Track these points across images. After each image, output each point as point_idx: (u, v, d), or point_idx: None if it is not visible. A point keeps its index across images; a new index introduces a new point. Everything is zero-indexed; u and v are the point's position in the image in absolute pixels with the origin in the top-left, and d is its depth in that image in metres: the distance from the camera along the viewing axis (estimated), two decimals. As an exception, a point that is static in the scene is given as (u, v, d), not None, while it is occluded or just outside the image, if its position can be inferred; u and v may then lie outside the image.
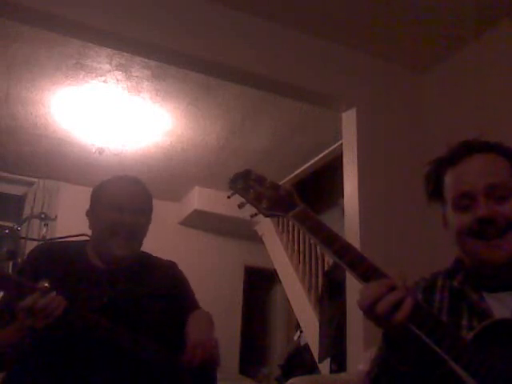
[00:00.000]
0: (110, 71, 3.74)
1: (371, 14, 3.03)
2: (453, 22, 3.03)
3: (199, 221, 6.10)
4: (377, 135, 3.27)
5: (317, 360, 4.03)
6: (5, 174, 5.51)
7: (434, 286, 1.15)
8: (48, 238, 3.82)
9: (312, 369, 4.40)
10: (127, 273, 1.55)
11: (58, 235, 3.21)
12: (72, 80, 3.87)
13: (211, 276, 5.86)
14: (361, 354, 2.57)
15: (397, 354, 0.98)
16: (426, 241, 3.03)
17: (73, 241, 1.71)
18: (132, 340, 1.42)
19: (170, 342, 1.48)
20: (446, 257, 1.19)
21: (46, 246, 1.83)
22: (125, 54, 3.42)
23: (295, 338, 5.30)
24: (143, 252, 1.66)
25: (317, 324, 4.27)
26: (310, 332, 4.60)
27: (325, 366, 3.88)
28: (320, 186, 5.60)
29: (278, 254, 5.57)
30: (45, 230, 4.26)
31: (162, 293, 1.57)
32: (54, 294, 1.32)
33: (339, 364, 3.50)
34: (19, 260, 2.95)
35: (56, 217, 4.87)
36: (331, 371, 3.67)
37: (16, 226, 3.36)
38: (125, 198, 1.57)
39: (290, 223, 5.44)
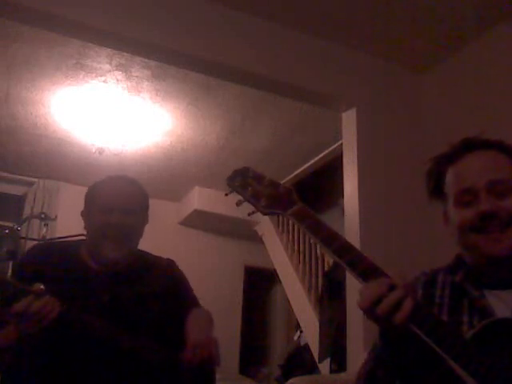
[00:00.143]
0: (109, 71, 3.74)
1: (371, 14, 3.03)
2: (453, 22, 3.03)
3: (199, 221, 6.09)
4: (377, 135, 3.27)
5: (317, 360, 4.03)
6: (5, 174, 5.50)
7: (434, 282, 1.15)
8: (48, 238, 3.82)
9: (312, 369, 4.40)
10: (124, 274, 1.54)
11: (58, 235, 3.21)
12: (72, 80, 3.87)
13: (211, 276, 5.86)
14: (361, 354, 2.57)
15: (396, 353, 0.98)
16: (426, 240, 3.03)
17: (68, 241, 1.70)
18: (131, 340, 1.42)
19: (169, 341, 1.48)
20: (446, 256, 1.19)
21: (41, 246, 1.82)
22: (125, 54, 3.42)
23: (295, 338, 5.30)
24: (141, 251, 1.65)
25: (317, 324, 4.27)
26: (310, 332, 4.60)
27: (325, 366, 3.88)
28: (320, 186, 5.60)
29: (278, 254, 5.57)
30: (45, 230, 4.26)
31: (160, 292, 1.56)
32: (48, 297, 1.30)
33: (339, 364, 3.50)
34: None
35: (56, 217, 4.87)
36: (331, 371, 3.67)
37: (16, 226, 3.36)
38: (115, 198, 1.55)
39: (290, 223, 5.43)
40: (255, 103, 4.12)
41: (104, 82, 3.87)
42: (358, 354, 2.72)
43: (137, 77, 3.81)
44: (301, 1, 2.96)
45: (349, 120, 3.31)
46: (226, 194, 1.11)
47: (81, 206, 1.63)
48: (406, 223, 3.10)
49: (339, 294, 3.49)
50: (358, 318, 2.71)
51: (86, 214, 1.60)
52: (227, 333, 5.14)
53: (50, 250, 1.62)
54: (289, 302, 5.43)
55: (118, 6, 2.77)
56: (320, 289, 4.50)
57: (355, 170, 3.13)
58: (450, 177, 1.14)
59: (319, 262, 4.91)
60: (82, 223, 1.62)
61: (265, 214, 1.08)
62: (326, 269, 4.64)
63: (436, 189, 1.18)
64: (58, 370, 1.38)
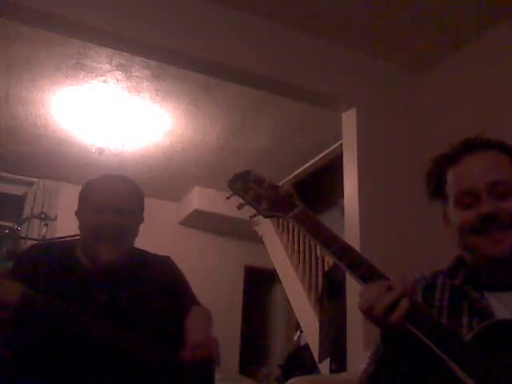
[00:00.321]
0: (109, 71, 3.74)
1: (371, 14, 3.03)
2: (453, 22, 3.03)
3: (199, 221, 6.09)
4: (377, 135, 3.27)
5: (317, 360, 4.03)
6: (5, 174, 5.50)
7: (434, 285, 1.15)
8: (48, 237, 3.82)
9: (312, 369, 4.40)
10: (121, 273, 1.52)
11: (58, 235, 3.21)
12: (72, 80, 3.87)
13: (211, 276, 5.86)
14: (361, 354, 2.57)
15: (396, 354, 0.98)
16: (426, 241, 3.03)
17: (65, 241, 1.68)
18: (131, 340, 1.41)
19: (169, 340, 1.48)
20: (447, 256, 1.19)
21: (38, 246, 1.81)
22: (125, 54, 3.42)
23: (295, 338, 5.30)
24: (137, 249, 1.63)
25: (317, 324, 4.27)
26: (310, 332, 4.60)
27: (325, 366, 3.88)
28: (320, 186, 5.60)
29: (278, 254, 5.57)
30: (45, 230, 4.27)
31: (158, 290, 1.55)
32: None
33: (339, 364, 3.49)
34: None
35: (56, 217, 4.87)
36: (331, 371, 3.67)
37: (16, 226, 3.37)
38: (108, 198, 1.52)
39: (290, 223, 5.42)
40: (255, 103, 4.12)
41: (104, 82, 3.87)
42: (358, 354, 2.72)
43: (137, 77, 3.81)
44: (301, 1, 2.96)
45: (349, 120, 3.31)
46: (228, 198, 1.12)
47: (80, 206, 1.62)
48: (405, 223, 3.10)
49: (339, 294, 3.48)
50: (358, 318, 2.71)
51: (79, 214, 1.58)
52: (227, 333, 5.14)
53: (46, 249, 1.60)
54: (289, 301, 5.43)
55: (118, 5, 2.77)
56: (320, 289, 4.50)
57: (355, 170, 3.13)
58: (450, 178, 1.14)
59: (319, 262, 4.91)
60: (80, 223, 1.61)
61: (266, 217, 1.09)
62: (326, 269, 4.64)
63: (436, 190, 1.17)
64: (58, 370, 1.37)
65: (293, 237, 5.41)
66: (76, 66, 3.68)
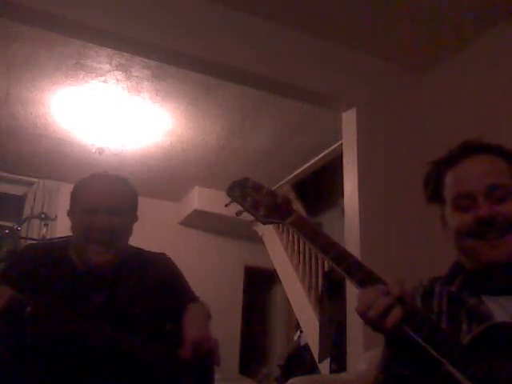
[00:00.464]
0: (109, 71, 3.74)
1: (371, 14, 3.03)
2: (453, 22, 3.03)
3: (199, 221, 6.09)
4: (377, 135, 3.27)
5: (317, 360, 4.03)
6: (5, 174, 5.50)
7: (431, 292, 1.15)
8: (48, 238, 3.82)
9: (312, 369, 4.40)
10: (115, 273, 1.50)
11: (58, 235, 3.20)
12: (72, 80, 3.87)
13: (211, 276, 5.86)
14: (361, 354, 2.57)
15: (397, 358, 0.99)
16: (426, 241, 3.02)
17: (58, 241, 1.64)
18: (130, 341, 1.41)
19: (167, 338, 1.47)
20: (446, 257, 1.19)
21: (33, 247, 1.80)
22: (125, 54, 3.42)
23: (295, 338, 5.30)
24: (133, 247, 1.61)
25: (317, 324, 4.27)
26: (310, 332, 4.60)
27: (325, 366, 3.88)
28: (320, 186, 5.60)
29: (278, 254, 5.57)
30: (45, 230, 4.27)
31: (155, 289, 1.54)
32: None
33: (339, 364, 3.50)
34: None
35: (56, 217, 4.87)
36: (331, 371, 3.67)
37: (16, 226, 3.37)
38: (99, 197, 1.49)
39: (290, 223, 5.42)
40: (255, 103, 4.12)
41: (104, 82, 3.87)
42: (357, 354, 2.72)
43: (137, 77, 3.81)
44: (301, 1, 2.96)
45: (349, 120, 3.31)
46: (226, 205, 1.14)
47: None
48: (406, 223, 3.10)
49: (339, 294, 3.49)
50: (358, 318, 2.69)
51: (71, 214, 1.54)
52: (227, 333, 5.14)
53: (41, 250, 1.58)
54: (289, 301, 5.43)
55: (118, 5, 2.77)
56: (320, 289, 4.50)
57: (355, 170, 3.13)
58: (448, 181, 1.14)
59: (319, 262, 4.91)
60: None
61: (264, 224, 1.10)
62: (326, 269, 4.64)
63: (434, 192, 1.17)
64: (58, 372, 1.37)
65: (293, 237, 5.41)
66: (76, 66, 3.68)
